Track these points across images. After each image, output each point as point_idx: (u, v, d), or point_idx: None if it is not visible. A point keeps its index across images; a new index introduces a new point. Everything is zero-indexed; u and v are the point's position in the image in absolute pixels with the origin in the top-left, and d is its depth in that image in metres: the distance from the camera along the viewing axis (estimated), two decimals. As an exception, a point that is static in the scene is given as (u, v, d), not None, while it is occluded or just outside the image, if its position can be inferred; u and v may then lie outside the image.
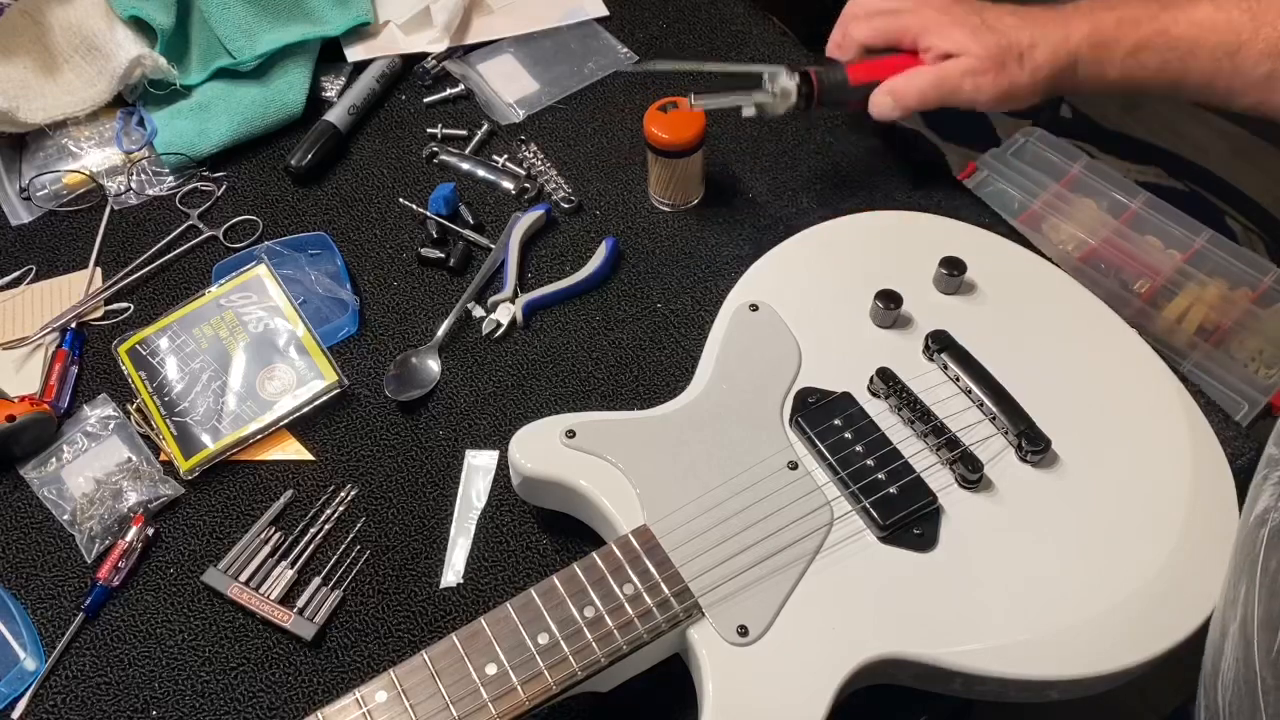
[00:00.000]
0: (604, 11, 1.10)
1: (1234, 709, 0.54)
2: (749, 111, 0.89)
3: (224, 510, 0.80)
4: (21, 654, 0.75)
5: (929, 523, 0.69)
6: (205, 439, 0.82)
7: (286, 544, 0.78)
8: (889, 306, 0.77)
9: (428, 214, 0.94)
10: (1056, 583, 0.67)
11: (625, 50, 1.05)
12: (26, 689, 0.73)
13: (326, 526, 0.79)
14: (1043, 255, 0.84)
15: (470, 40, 1.07)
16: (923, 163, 0.97)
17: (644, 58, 1.06)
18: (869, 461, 0.71)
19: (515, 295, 0.89)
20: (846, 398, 0.74)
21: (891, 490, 0.69)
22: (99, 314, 0.92)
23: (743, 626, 0.65)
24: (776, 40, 1.08)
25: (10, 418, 0.81)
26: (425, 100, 1.05)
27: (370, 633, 0.74)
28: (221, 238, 0.96)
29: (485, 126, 1.01)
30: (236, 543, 0.78)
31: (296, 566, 0.77)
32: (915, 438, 0.73)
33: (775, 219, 0.94)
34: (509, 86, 1.04)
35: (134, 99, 1.04)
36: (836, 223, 0.85)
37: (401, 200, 0.96)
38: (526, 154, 0.99)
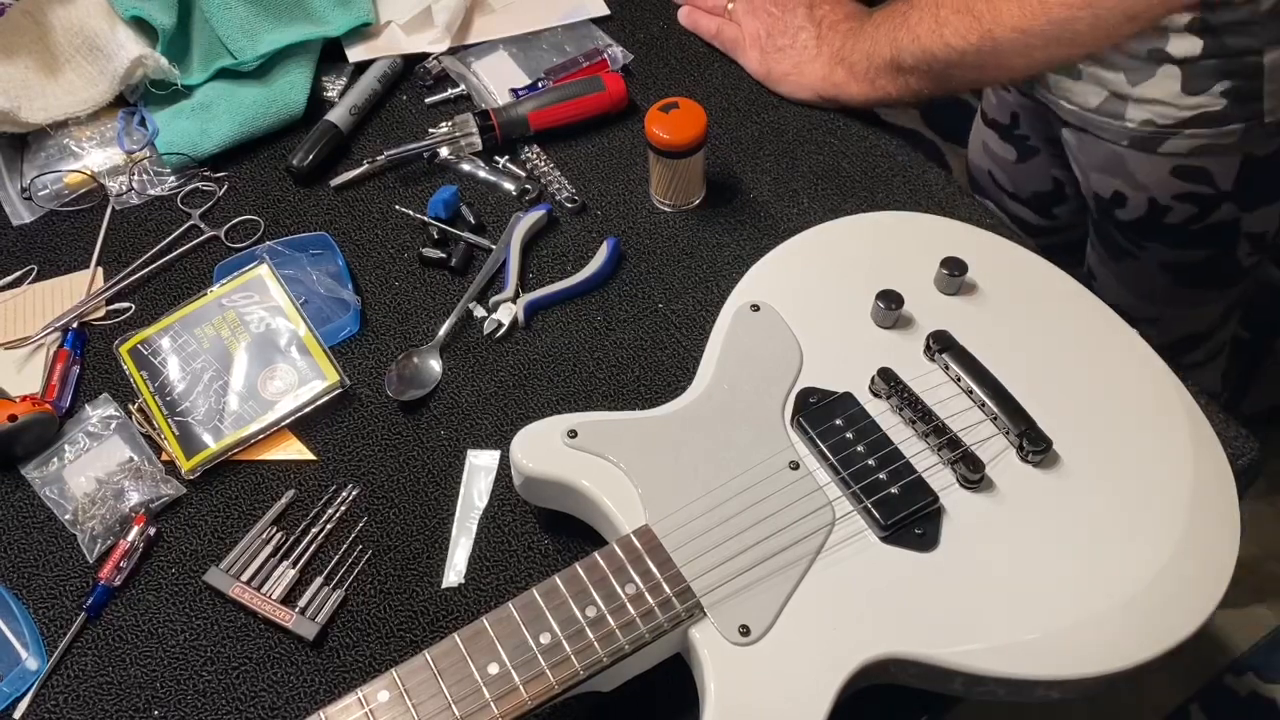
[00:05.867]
0: (605, 11, 1.10)
1: None
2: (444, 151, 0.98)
3: (226, 510, 0.80)
4: (23, 653, 0.75)
5: (930, 523, 0.69)
6: (207, 439, 0.82)
7: (288, 544, 0.78)
8: (890, 307, 0.77)
9: (426, 219, 0.94)
10: (1058, 583, 0.67)
11: (620, 48, 1.05)
12: (28, 688, 0.73)
13: (328, 526, 0.79)
14: (1043, 256, 0.85)
15: (472, 40, 1.08)
16: (923, 163, 0.98)
17: (641, 55, 1.06)
18: (870, 461, 0.71)
19: (517, 295, 0.90)
20: (848, 398, 0.74)
21: (893, 490, 0.70)
22: (100, 314, 0.92)
23: (744, 626, 0.65)
24: (777, 41, 1.07)
25: (12, 417, 0.81)
26: (426, 101, 1.05)
27: (372, 632, 0.74)
28: (223, 237, 0.96)
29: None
30: (238, 543, 0.78)
31: (298, 566, 0.77)
32: (917, 438, 0.73)
33: (776, 219, 0.94)
34: (502, 83, 1.04)
35: (135, 99, 1.04)
36: (837, 223, 0.85)
37: (398, 207, 0.96)
38: (529, 154, 0.99)
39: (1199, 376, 1.12)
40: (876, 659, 0.64)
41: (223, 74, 1.03)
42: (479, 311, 0.89)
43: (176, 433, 0.82)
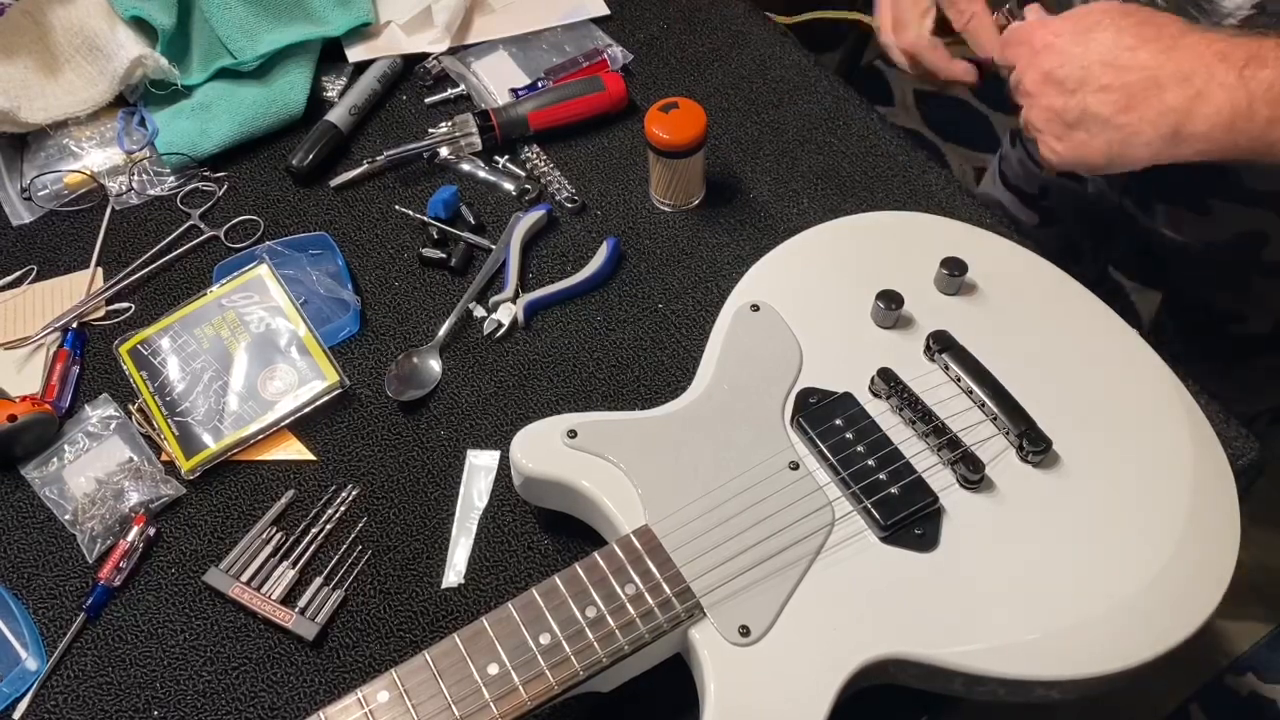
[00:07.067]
0: (605, 11, 1.10)
1: None
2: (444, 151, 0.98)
3: (225, 510, 0.80)
4: (23, 654, 0.75)
5: (930, 523, 0.69)
6: (207, 439, 0.82)
7: (288, 544, 0.78)
8: (890, 307, 0.77)
9: (426, 219, 0.94)
10: (1057, 583, 0.67)
11: (620, 48, 1.05)
12: (28, 689, 0.73)
13: (328, 526, 0.79)
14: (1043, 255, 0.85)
15: (472, 40, 1.08)
16: (923, 163, 0.98)
17: (641, 55, 1.06)
18: (870, 462, 0.71)
19: (516, 295, 0.90)
20: (848, 398, 0.74)
21: (893, 490, 0.69)
22: (100, 314, 0.92)
23: (744, 626, 0.65)
24: (777, 40, 1.08)
25: (12, 417, 0.81)
26: (426, 101, 1.05)
27: (372, 633, 0.74)
28: (223, 238, 0.96)
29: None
30: (238, 543, 0.78)
31: (298, 566, 0.77)
32: (916, 438, 0.73)
33: (776, 219, 0.94)
34: (502, 83, 1.04)
35: (135, 99, 1.04)
36: (837, 223, 0.85)
37: (398, 207, 0.96)
38: (528, 154, 0.99)
39: (1273, 434, 1.10)
40: (876, 659, 0.64)
41: (222, 74, 1.03)
42: (479, 311, 0.89)
43: (176, 433, 0.82)
